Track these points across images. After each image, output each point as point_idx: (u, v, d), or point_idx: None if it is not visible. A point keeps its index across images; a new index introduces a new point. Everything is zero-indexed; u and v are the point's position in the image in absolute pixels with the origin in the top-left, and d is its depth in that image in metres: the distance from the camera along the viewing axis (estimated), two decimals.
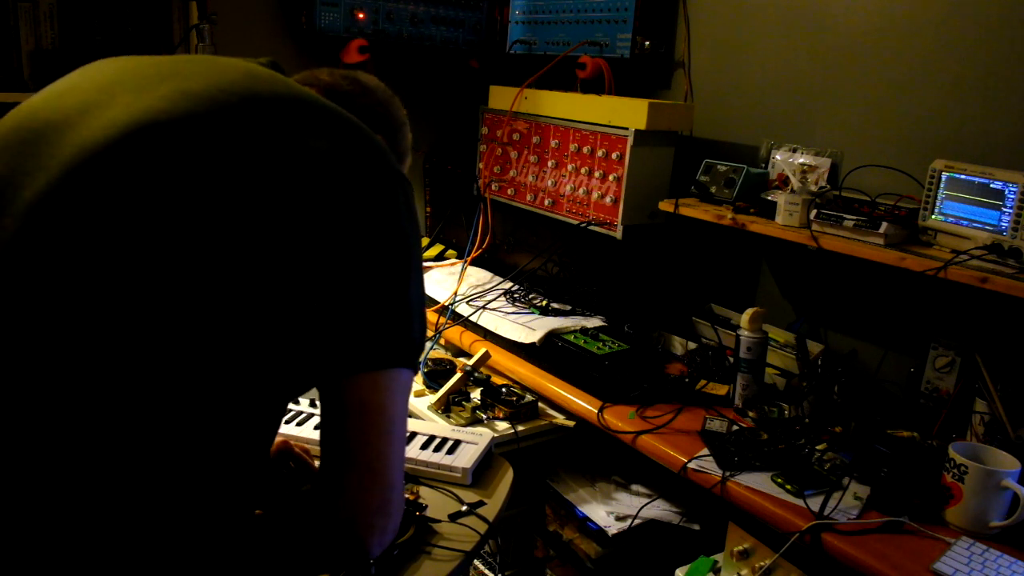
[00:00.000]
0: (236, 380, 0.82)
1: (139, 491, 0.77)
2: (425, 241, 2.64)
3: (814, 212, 1.64)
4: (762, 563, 1.43)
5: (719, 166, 1.89)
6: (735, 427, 1.61)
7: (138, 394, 0.77)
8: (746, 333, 1.71)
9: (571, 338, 1.88)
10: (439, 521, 1.29)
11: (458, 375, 1.84)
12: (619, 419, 1.68)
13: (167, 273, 0.77)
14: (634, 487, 1.80)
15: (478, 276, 2.32)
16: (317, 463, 1.32)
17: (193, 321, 0.78)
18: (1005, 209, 1.42)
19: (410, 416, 1.79)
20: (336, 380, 0.87)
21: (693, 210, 1.86)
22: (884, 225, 1.53)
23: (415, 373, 0.95)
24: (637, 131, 1.92)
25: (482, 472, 1.47)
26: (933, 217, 1.54)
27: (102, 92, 0.87)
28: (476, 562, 1.89)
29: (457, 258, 2.49)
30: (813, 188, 1.76)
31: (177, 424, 0.79)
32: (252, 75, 0.92)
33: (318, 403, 1.66)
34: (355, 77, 1.19)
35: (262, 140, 0.85)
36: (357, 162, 0.90)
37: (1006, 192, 1.42)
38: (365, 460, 0.87)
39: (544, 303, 2.09)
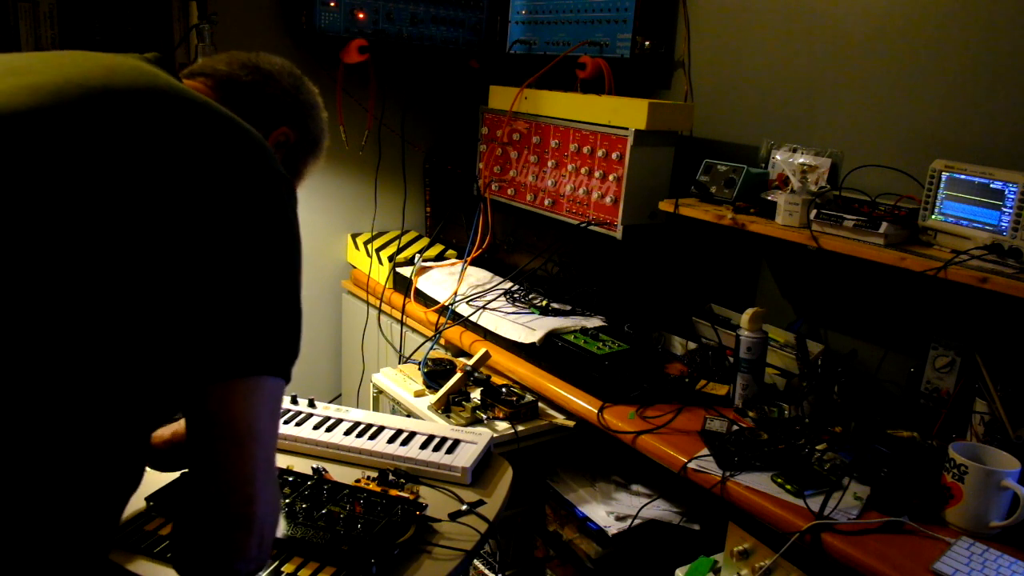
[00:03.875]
0: (101, 386, 0.81)
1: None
2: (425, 241, 2.64)
3: (814, 212, 1.64)
4: (762, 563, 1.43)
5: (719, 166, 1.89)
6: (735, 427, 1.61)
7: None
8: (746, 333, 1.71)
9: (571, 338, 1.88)
10: (439, 520, 1.29)
11: (458, 375, 1.84)
12: (619, 419, 1.68)
13: (7, 270, 0.76)
14: (634, 487, 1.80)
15: (478, 276, 2.32)
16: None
17: (43, 322, 0.77)
18: (1005, 209, 1.42)
19: (410, 416, 1.79)
20: (198, 387, 0.84)
21: (693, 210, 1.86)
22: (884, 225, 1.53)
23: (286, 382, 0.90)
24: (637, 131, 1.92)
25: (481, 471, 1.47)
26: (933, 217, 1.54)
27: None
28: (476, 562, 1.88)
29: (457, 258, 2.48)
30: (813, 188, 1.76)
31: (44, 422, 0.78)
32: (112, 69, 0.89)
33: (317, 403, 1.66)
34: (256, 64, 1.14)
35: (109, 133, 0.82)
36: (218, 158, 0.87)
37: (1006, 192, 1.42)
38: (222, 472, 0.84)
39: (544, 303, 2.09)
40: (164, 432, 1.25)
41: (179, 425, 1.24)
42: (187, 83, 1.06)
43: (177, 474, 1.30)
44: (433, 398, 1.80)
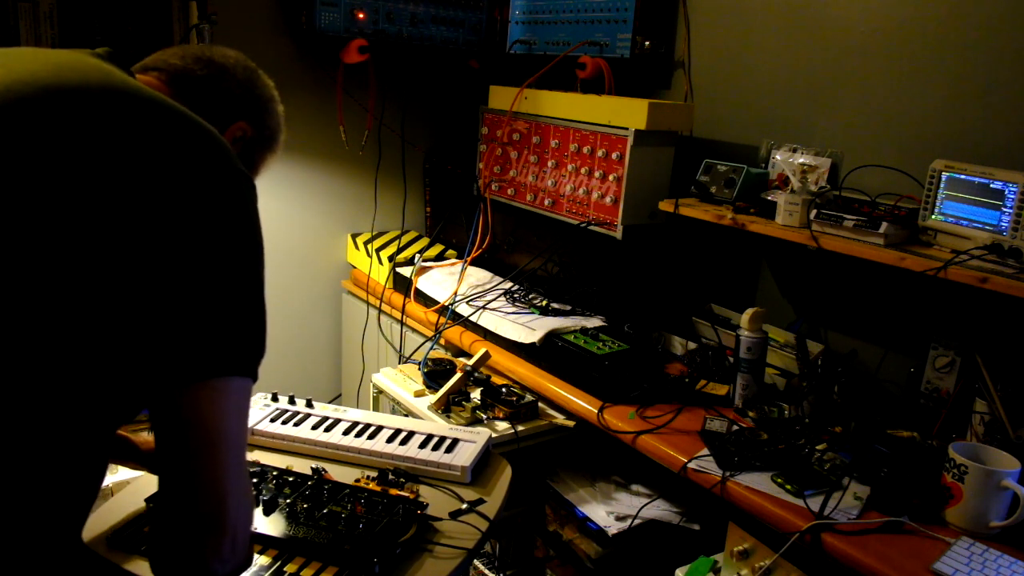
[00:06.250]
0: (66, 388, 0.80)
1: None
2: (425, 241, 2.64)
3: (814, 212, 1.64)
4: (762, 563, 1.43)
5: (719, 166, 1.89)
6: (735, 427, 1.61)
7: None
8: (746, 333, 1.71)
9: (571, 338, 1.88)
10: (440, 519, 1.29)
11: (458, 375, 1.84)
12: (619, 419, 1.67)
13: None
14: (634, 487, 1.80)
15: (478, 276, 2.32)
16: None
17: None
18: (1005, 209, 1.42)
19: (410, 416, 1.79)
20: (164, 392, 0.83)
21: (693, 210, 1.86)
22: (884, 225, 1.53)
23: (252, 380, 0.89)
24: (637, 131, 1.92)
25: (481, 470, 1.47)
26: (933, 217, 1.54)
27: None
28: (476, 562, 1.88)
29: (457, 258, 2.48)
30: (813, 188, 1.76)
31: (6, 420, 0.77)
32: (63, 66, 0.87)
33: (315, 403, 1.66)
34: (209, 58, 1.11)
35: (60, 134, 0.80)
36: (175, 158, 0.84)
37: (1006, 192, 1.42)
38: (192, 475, 0.83)
39: (544, 303, 2.09)
40: None
41: None
42: (140, 78, 1.03)
43: None
44: (433, 398, 1.80)
